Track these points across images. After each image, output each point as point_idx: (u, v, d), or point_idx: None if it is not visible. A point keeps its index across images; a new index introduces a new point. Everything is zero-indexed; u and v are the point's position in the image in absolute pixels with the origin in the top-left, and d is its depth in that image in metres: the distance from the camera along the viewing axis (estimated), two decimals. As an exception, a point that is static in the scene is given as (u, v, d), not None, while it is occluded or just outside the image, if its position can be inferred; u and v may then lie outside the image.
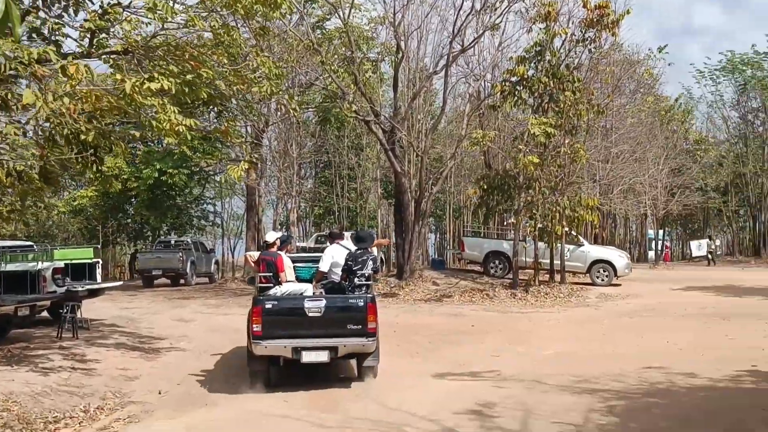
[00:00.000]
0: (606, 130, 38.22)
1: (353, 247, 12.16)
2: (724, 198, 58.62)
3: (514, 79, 25.02)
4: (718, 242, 62.56)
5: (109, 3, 12.62)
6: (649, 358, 13.10)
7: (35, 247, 20.43)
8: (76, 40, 13.32)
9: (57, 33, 13.23)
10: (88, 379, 12.18)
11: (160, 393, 11.57)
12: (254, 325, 10.92)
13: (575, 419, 9.00)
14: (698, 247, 56.72)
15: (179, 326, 18.82)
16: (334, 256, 12.21)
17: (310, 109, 35.99)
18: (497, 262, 28.80)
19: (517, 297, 24.25)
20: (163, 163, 35.68)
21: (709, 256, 51.26)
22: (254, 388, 11.24)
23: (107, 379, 12.28)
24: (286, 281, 11.86)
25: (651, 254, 53.72)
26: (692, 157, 53.53)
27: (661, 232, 55.77)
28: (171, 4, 11.61)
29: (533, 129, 23.10)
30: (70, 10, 13.08)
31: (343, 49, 26.65)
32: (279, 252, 12.20)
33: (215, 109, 27.92)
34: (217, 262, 37.56)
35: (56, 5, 12.88)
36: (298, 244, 34.04)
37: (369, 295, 11.41)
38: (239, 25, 15.62)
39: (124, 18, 12.41)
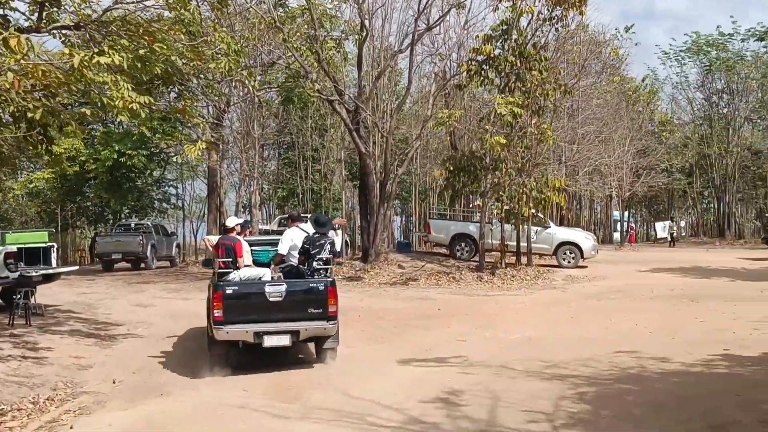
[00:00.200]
0: (572, 110, 38.08)
1: (312, 231, 12.01)
2: (689, 179, 58.95)
3: (480, 58, 24.63)
4: (683, 223, 63.03)
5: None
6: (619, 342, 12.89)
7: (-15, 231, 19.79)
8: (24, 14, 12.75)
9: (4, 6, 12.59)
10: (39, 368, 11.68)
11: (114, 382, 11.13)
12: (215, 311, 10.87)
13: (545, 407, 8.69)
14: (663, 229, 57.18)
15: (137, 312, 18.37)
16: (293, 239, 12.08)
17: (273, 89, 35.42)
18: (463, 244, 28.59)
19: (483, 280, 24.05)
20: (122, 145, 34.94)
21: (669, 237, 51.60)
22: (214, 371, 11.08)
23: (59, 369, 11.80)
24: (244, 266, 11.87)
25: (616, 236, 53.93)
26: (657, 139, 53.76)
27: (626, 213, 56.00)
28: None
29: (500, 109, 22.77)
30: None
31: (306, 27, 26.07)
32: (238, 237, 12.18)
33: (175, 88, 27.26)
34: (178, 246, 36.92)
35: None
36: (261, 226, 33.61)
37: (329, 279, 11.41)
38: (199, 3, 15.03)
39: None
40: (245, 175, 34.59)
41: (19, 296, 15.24)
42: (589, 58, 34.88)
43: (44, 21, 12.41)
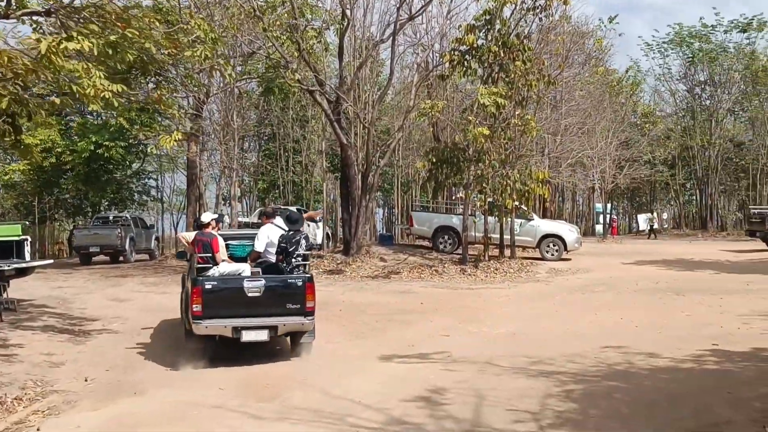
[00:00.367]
0: (556, 102, 37.89)
1: (286, 227, 12.09)
2: (671, 171, 58.91)
3: (463, 48, 24.38)
4: (665, 216, 63.11)
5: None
6: (606, 337, 12.76)
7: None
8: (-8, -1, 12.29)
9: (-30, -9, 12.16)
10: (8, 366, 11.29)
11: (86, 380, 10.74)
12: (194, 305, 10.98)
13: (531, 406, 8.45)
14: (645, 221, 57.17)
15: (114, 306, 18.02)
16: (270, 236, 12.11)
17: (253, 79, 35.02)
18: (446, 237, 28.37)
19: (466, 273, 23.84)
20: (99, 136, 34.43)
21: (648, 229, 51.62)
22: (191, 365, 11.13)
23: (29, 366, 11.40)
24: (222, 261, 11.86)
25: (599, 228, 53.90)
26: (640, 131, 53.71)
27: (608, 205, 55.97)
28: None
29: (483, 99, 22.53)
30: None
31: (287, 16, 25.65)
32: (214, 233, 12.20)
33: (154, 78, 26.78)
34: (157, 239, 36.51)
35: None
36: (240, 219, 33.19)
37: (307, 275, 11.58)
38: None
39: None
40: (225, 167, 34.13)
41: (-9, 291, 14.78)
42: (573, 49, 34.68)
43: (13, 7, 11.99)
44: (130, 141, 35.80)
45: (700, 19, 56.19)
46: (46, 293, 19.50)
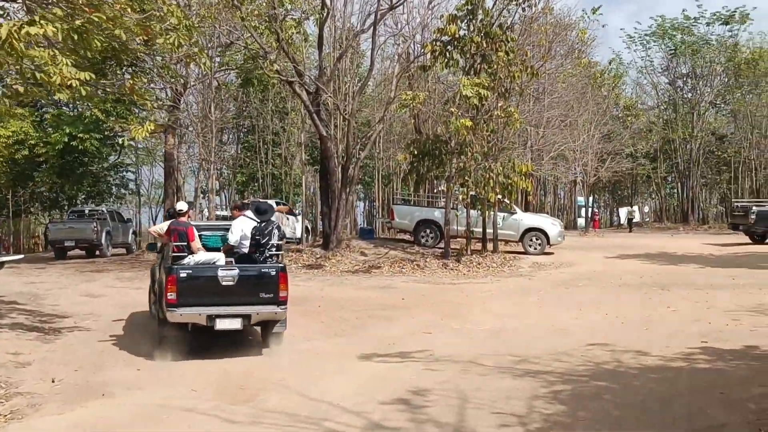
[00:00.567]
0: (538, 94, 37.65)
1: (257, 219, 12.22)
2: (653, 164, 59.01)
3: (445, 38, 24.08)
4: (646, 209, 63.12)
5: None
6: (591, 333, 12.52)
7: None
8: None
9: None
10: (-28, 367, 10.78)
11: (53, 381, 10.24)
12: (169, 294, 11.12)
13: (517, 408, 8.09)
14: (626, 214, 57.20)
15: (87, 302, 17.45)
16: (243, 229, 12.16)
17: (232, 70, 34.57)
18: (428, 230, 27.97)
19: (448, 267, 23.54)
20: (74, 128, 33.82)
21: (627, 223, 51.60)
22: (165, 356, 11.22)
23: (-6, 367, 10.89)
24: (198, 249, 12.03)
25: (580, 221, 53.83)
26: (622, 124, 53.70)
27: (590, 198, 55.92)
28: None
29: (465, 90, 22.20)
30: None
31: (265, 5, 25.19)
32: (189, 222, 12.43)
33: (130, 69, 26.30)
34: (135, 233, 35.92)
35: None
36: (218, 212, 32.76)
37: (280, 265, 11.75)
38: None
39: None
40: (203, 160, 33.61)
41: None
42: (555, 40, 34.46)
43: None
44: (106, 133, 35.17)
45: (683, 11, 56.60)
46: (18, 289, 18.91)
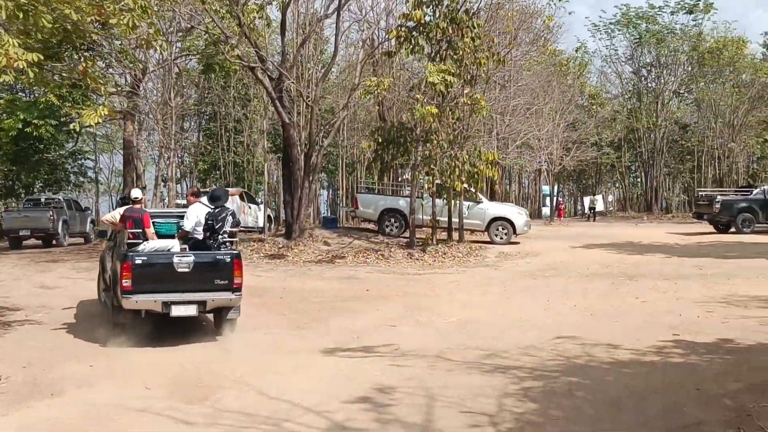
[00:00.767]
0: (504, 81, 37.45)
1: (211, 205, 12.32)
2: (617, 153, 59.25)
3: (410, 24, 23.70)
4: (610, 198, 63.37)
5: None
6: (560, 326, 12.26)
7: None
8: None
9: None
10: None
11: (-1, 379, 9.71)
12: (124, 280, 11.14)
13: (487, 407, 7.74)
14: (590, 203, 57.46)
15: (40, 294, 16.98)
16: (198, 216, 12.26)
17: (193, 57, 33.94)
18: (393, 220, 27.63)
19: (414, 257, 23.24)
20: (28, 114, 32.84)
21: (589, 212, 51.73)
22: (118, 343, 11.18)
23: (-66, 365, 10.32)
24: (153, 236, 12.17)
25: (545, 210, 53.84)
26: (587, 112, 53.78)
27: (555, 188, 55.99)
28: None
29: (431, 77, 21.85)
30: None
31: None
32: (144, 209, 12.64)
33: (87, 53, 25.55)
34: (93, 222, 35.12)
35: None
36: (177, 201, 32.14)
37: (235, 251, 11.89)
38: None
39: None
40: (163, 147, 32.95)
41: None
42: (522, 27, 34.25)
43: None
44: (62, 119, 34.26)
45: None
46: (-33, 280, 18.39)
